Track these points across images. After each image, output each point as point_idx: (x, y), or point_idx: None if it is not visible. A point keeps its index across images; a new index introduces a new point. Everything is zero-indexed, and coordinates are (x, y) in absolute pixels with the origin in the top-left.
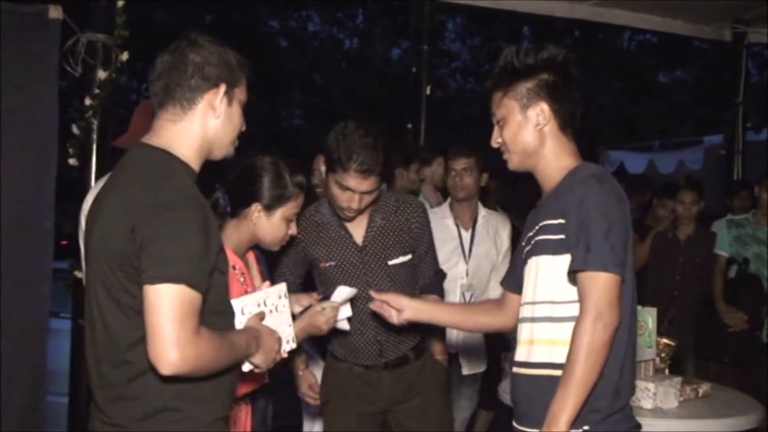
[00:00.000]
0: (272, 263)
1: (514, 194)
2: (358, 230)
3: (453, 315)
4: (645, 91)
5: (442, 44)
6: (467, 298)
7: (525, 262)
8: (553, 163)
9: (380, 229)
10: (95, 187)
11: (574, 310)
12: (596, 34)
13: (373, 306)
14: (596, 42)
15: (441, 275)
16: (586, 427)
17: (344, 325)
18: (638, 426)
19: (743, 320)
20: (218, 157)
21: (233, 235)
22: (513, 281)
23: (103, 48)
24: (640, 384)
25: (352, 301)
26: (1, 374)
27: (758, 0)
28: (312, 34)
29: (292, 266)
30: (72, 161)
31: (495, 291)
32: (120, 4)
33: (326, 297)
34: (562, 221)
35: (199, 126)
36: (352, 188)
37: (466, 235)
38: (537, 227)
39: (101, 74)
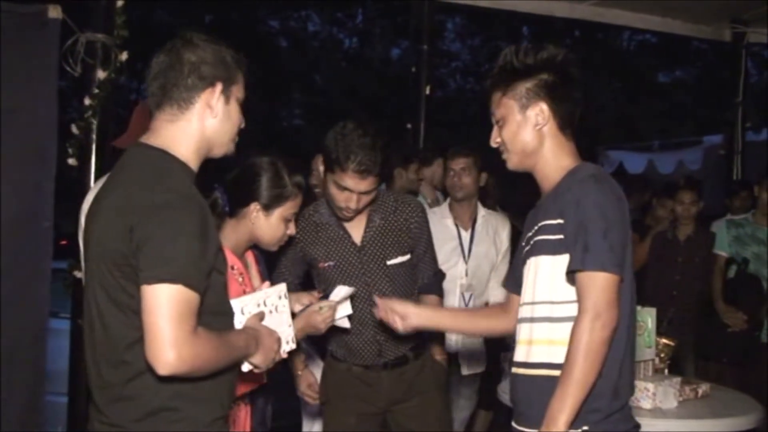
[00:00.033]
0: (271, 263)
1: (513, 194)
2: (356, 230)
3: (458, 320)
4: (645, 91)
5: (441, 44)
6: (467, 298)
7: (524, 263)
8: (552, 163)
9: (379, 229)
10: (95, 187)
11: (572, 310)
12: (596, 34)
13: (378, 313)
14: (596, 42)
15: (440, 275)
16: (585, 427)
17: (344, 323)
18: (637, 426)
19: (743, 320)
20: (218, 155)
21: (232, 234)
22: (515, 282)
23: (102, 48)
24: (640, 384)
25: (352, 300)
26: (1, 374)
27: (758, 0)
28: (312, 34)
29: (291, 266)
30: (71, 161)
31: (494, 291)
32: (119, 3)
33: (326, 296)
34: (560, 221)
35: (197, 125)
36: (350, 188)
37: (466, 235)
38: (536, 227)
39: (101, 74)
